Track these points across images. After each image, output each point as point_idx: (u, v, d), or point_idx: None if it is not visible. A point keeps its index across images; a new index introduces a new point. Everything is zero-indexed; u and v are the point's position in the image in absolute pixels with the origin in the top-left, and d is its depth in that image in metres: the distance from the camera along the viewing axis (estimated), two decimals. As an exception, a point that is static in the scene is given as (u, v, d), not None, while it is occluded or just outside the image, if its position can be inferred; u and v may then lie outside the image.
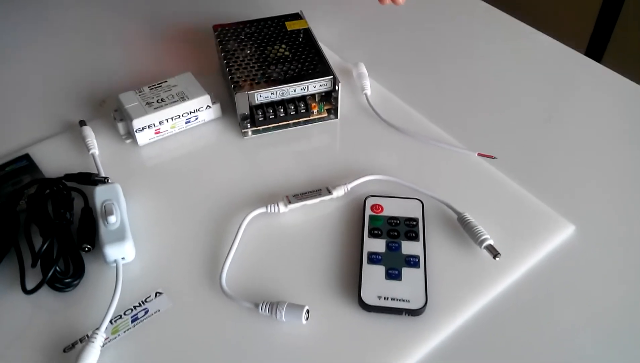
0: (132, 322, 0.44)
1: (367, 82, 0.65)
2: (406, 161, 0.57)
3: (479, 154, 0.58)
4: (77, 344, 0.43)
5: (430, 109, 0.63)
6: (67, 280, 0.45)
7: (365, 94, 0.64)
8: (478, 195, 0.54)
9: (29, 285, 0.46)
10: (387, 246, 0.48)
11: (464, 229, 0.50)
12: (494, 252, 0.48)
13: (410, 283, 0.46)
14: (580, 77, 0.69)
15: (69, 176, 0.54)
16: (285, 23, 0.67)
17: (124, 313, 0.45)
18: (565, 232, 0.51)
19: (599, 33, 1.51)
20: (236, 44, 0.64)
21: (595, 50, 1.57)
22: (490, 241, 0.48)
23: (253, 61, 0.61)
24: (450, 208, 0.52)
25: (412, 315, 0.44)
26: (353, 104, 0.64)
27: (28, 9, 0.80)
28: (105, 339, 0.43)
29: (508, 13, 0.78)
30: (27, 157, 0.57)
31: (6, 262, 0.48)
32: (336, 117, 0.62)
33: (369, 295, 0.45)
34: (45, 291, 0.46)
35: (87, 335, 0.43)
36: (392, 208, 0.51)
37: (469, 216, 0.50)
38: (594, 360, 0.43)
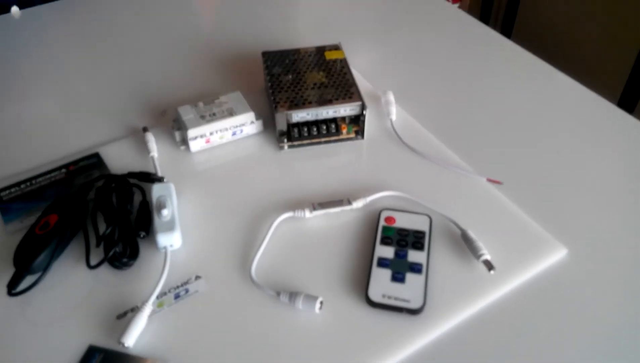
0: (175, 298, 0.52)
1: (394, 109, 0.72)
2: (421, 181, 0.63)
3: (488, 180, 0.63)
4: (128, 313, 0.51)
5: (449, 136, 0.69)
6: (124, 260, 0.54)
7: (391, 120, 0.71)
8: (482, 215, 0.59)
9: (93, 262, 0.54)
10: (396, 253, 0.54)
11: (465, 244, 0.56)
12: (489, 266, 0.53)
13: (412, 286, 0.52)
14: (596, 119, 0.73)
15: (132, 174, 0.62)
16: (325, 52, 0.74)
17: (169, 291, 0.52)
18: (557, 254, 0.55)
19: (633, 84, 1.53)
20: (280, 69, 0.72)
21: (628, 101, 1.59)
22: (488, 257, 0.54)
23: (294, 85, 0.69)
24: (456, 224, 0.57)
25: (411, 314, 0.50)
26: (379, 127, 0.71)
27: (112, 29, 0.91)
28: (152, 311, 0.50)
29: (539, 55, 0.83)
30: (97, 155, 0.66)
31: (75, 242, 0.57)
32: (362, 138, 0.69)
33: (375, 293, 0.51)
34: (105, 268, 0.54)
35: (137, 306, 0.51)
36: (403, 221, 0.57)
37: (471, 233, 0.56)
38: (570, 367, 0.47)
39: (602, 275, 0.54)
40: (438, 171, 0.65)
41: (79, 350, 0.48)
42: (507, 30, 2.01)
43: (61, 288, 0.53)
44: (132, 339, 0.48)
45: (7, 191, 0.62)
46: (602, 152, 0.67)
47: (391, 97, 0.73)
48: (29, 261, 0.52)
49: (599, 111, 0.73)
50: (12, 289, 0.50)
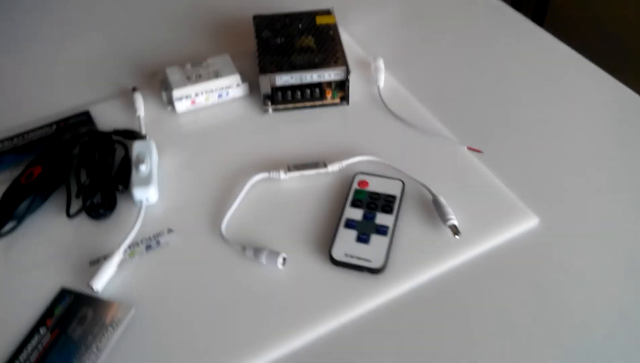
0: (146, 249, 0.54)
1: (382, 76, 0.72)
2: (401, 147, 0.63)
3: (469, 148, 0.63)
4: (100, 260, 0.53)
5: (438, 106, 0.69)
6: (101, 211, 0.56)
7: (378, 86, 0.71)
8: (458, 183, 0.59)
9: (72, 212, 0.56)
10: (364, 215, 0.55)
11: (435, 210, 0.56)
12: (455, 231, 0.53)
13: (375, 247, 0.52)
14: (587, 86, 0.71)
15: (117, 132, 0.64)
16: (316, 17, 0.74)
17: (141, 242, 0.54)
18: (528, 223, 0.55)
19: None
20: (270, 33, 0.72)
21: None
22: (455, 222, 0.54)
23: (282, 49, 0.69)
24: (428, 190, 0.57)
25: (372, 273, 0.51)
26: (366, 93, 0.71)
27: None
28: (122, 259, 0.52)
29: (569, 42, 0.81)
30: (87, 113, 0.69)
31: (58, 193, 0.59)
32: (347, 103, 0.69)
33: (338, 252, 0.52)
34: (83, 218, 0.57)
35: (107, 255, 0.53)
36: (376, 185, 0.58)
37: (442, 198, 0.56)
38: (524, 337, 0.48)
39: (571, 246, 0.54)
40: (420, 138, 0.65)
41: (53, 291, 0.51)
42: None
43: (41, 235, 0.56)
44: (101, 284, 0.50)
45: (0, 144, 0.64)
46: (590, 125, 0.66)
47: (381, 64, 0.73)
48: (12, 208, 0.54)
49: (597, 85, 0.72)
50: (-7, 233, 0.53)
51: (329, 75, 0.67)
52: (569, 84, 0.72)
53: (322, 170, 0.60)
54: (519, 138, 0.65)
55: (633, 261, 0.52)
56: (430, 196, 0.57)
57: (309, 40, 0.71)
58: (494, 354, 0.46)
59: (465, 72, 0.74)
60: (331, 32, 0.72)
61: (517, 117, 0.67)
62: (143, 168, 0.58)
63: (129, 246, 0.54)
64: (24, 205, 0.55)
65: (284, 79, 0.66)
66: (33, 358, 0.46)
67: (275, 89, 0.67)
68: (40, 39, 0.83)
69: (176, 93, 0.67)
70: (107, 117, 0.68)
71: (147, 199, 0.57)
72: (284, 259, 0.52)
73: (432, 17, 0.84)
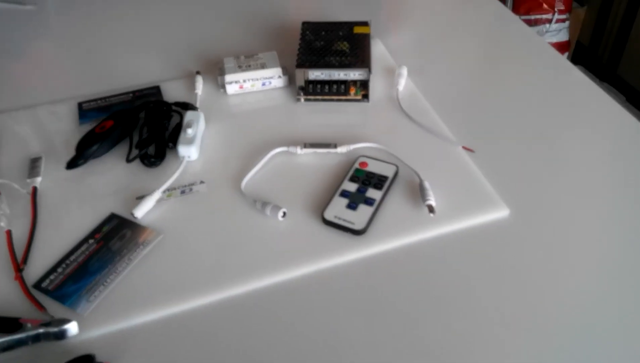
0: (181, 193, 0.65)
1: (403, 81, 0.79)
2: (405, 140, 0.71)
3: (463, 147, 0.69)
4: (145, 196, 0.64)
5: (446, 110, 0.75)
6: (152, 160, 0.68)
7: (397, 89, 0.78)
8: (446, 174, 0.66)
9: (130, 158, 0.69)
10: (358, 189, 0.63)
11: (420, 191, 0.63)
12: (431, 210, 0.60)
13: (361, 214, 0.60)
14: (588, 106, 0.75)
15: (177, 103, 0.77)
16: (354, 27, 0.83)
17: (178, 188, 0.66)
18: (499, 213, 0.61)
19: None
20: (313, 36, 0.82)
21: None
22: (432, 202, 0.60)
23: (320, 50, 0.79)
24: (417, 175, 0.64)
25: (354, 234, 0.59)
26: (386, 95, 0.79)
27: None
28: (160, 198, 0.64)
29: None
30: (157, 88, 0.81)
31: (123, 145, 0.72)
32: (367, 100, 0.77)
33: (329, 214, 0.60)
34: (138, 164, 0.69)
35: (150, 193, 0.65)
36: (374, 167, 0.66)
37: (427, 183, 0.63)
38: (476, 308, 0.53)
39: (534, 238, 0.59)
40: (423, 135, 0.72)
41: (105, 215, 0.63)
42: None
43: (104, 173, 0.68)
44: (141, 213, 0.62)
45: (87, 103, 0.79)
46: (588, 141, 0.70)
47: (404, 71, 0.80)
48: (84, 149, 0.68)
49: (607, 113, 0.75)
50: (69, 165, 0.67)
51: (354, 74, 0.75)
52: (572, 105, 0.76)
53: (332, 150, 0.69)
54: (511, 144, 0.70)
55: (595, 262, 0.57)
56: (418, 181, 0.64)
57: (344, 45, 0.80)
58: (444, 319, 0.53)
59: (477, 86, 0.80)
60: (364, 41, 0.80)
61: (513, 127, 0.72)
62: (190, 131, 0.70)
63: (168, 189, 0.65)
64: (93, 148, 0.68)
65: (315, 74, 0.76)
66: (80, 259, 0.58)
67: (308, 82, 0.77)
68: (129, 26, 0.97)
69: (228, 78, 0.78)
70: (173, 92, 0.81)
71: (188, 156, 0.69)
72: (284, 213, 0.61)
73: (458, 34, 0.91)
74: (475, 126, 0.73)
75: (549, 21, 2.07)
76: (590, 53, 2.21)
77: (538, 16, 2.07)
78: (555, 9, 2.06)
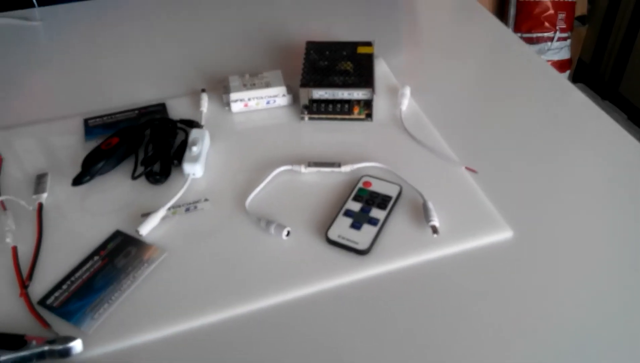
0: (185, 211, 0.65)
1: (406, 101, 0.80)
2: (408, 160, 0.71)
3: (466, 168, 0.70)
4: (150, 213, 0.65)
5: (449, 130, 0.76)
6: (157, 177, 0.68)
7: (400, 109, 0.79)
8: (448, 194, 0.66)
9: (135, 175, 0.69)
10: (361, 208, 0.63)
11: (423, 211, 0.63)
12: (434, 230, 0.60)
13: (365, 234, 0.61)
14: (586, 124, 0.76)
15: (182, 121, 0.77)
16: (358, 47, 0.84)
17: (182, 205, 0.66)
18: (502, 234, 0.61)
19: None
20: (317, 56, 0.83)
21: None
22: (436, 223, 0.61)
23: (324, 69, 0.80)
24: (420, 195, 0.65)
25: (358, 254, 0.59)
26: (389, 114, 0.79)
27: (184, 11, 1.08)
28: (165, 216, 0.64)
29: None
30: (163, 105, 0.82)
31: (128, 162, 0.72)
32: (371, 119, 0.78)
33: (333, 233, 0.61)
34: (143, 181, 0.69)
35: (155, 211, 0.65)
36: (377, 186, 0.66)
37: (430, 204, 0.63)
38: (477, 328, 0.54)
39: (537, 261, 0.59)
40: (426, 155, 0.72)
41: (109, 232, 0.63)
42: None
43: (109, 191, 0.69)
44: (146, 230, 0.62)
45: (93, 120, 0.79)
46: (590, 162, 0.71)
47: (407, 91, 0.81)
48: (90, 166, 0.68)
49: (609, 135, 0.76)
50: (75, 182, 0.67)
51: (358, 94, 0.76)
52: (573, 126, 0.76)
53: (336, 169, 0.69)
54: (513, 165, 0.70)
55: (599, 285, 0.57)
56: (421, 202, 0.65)
57: (348, 65, 0.81)
58: (447, 340, 0.53)
59: (479, 106, 0.81)
60: (367, 60, 0.81)
61: (515, 147, 0.73)
62: (195, 148, 0.70)
63: (173, 207, 0.66)
64: (99, 165, 0.69)
65: (319, 93, 0.77)
66: (85, 276, 0.58)
67: (312, 101, 0.78)
68: (133, 43, 0.99)
69: (233, 96, 0.79)
70: (178, 109, 0.82)
71: (193, 174, 0.69)
72: (289, 232, 0.61)
73: (461, 54, 0.92)
74: (478, 147, 0.74)
75: (551, 39, 2.09)
76: (592, 71, 2.23)
77: (540, 34, 2.09)
78: (557, 28, 2.08)
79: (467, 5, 1.07)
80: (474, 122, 0.78)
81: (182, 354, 0.52)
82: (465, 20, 1.03)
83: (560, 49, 2.12)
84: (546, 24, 2.08)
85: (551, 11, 2.08)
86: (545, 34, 2.10)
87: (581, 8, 2.20)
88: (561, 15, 2.10)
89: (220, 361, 0.52)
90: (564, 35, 2.10)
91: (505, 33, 0.98)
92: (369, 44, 0.85)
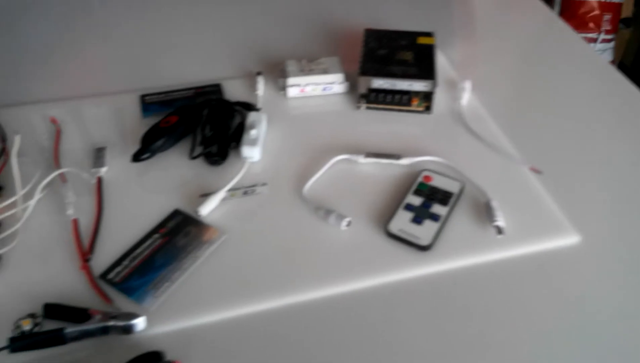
0: (243, 194, 0.65)
1: (467, 95, 0.78)
2: (469, 156, 0.69)
3: (530, 168, 0.67)
4: (208, 195, 0.64)
5: (512, 128, 0.74)
6: (215, 158, 0.67)
7: (460, 103, 0.77)
8: (512, 195, 0.64)
9: (194, 155, 0.69)
10: (422, 203, 0.62)
11: (486, 210, 0.61)
12: (499, 231, 0.58)
13: (426, 229, 0.59)
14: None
15: (238, 103, 0.76)
16: (418, 37, 0.82)
17: (241, 188, 0.65)
18: (569, 239, 0.59)
19: None
20: (376, 44, 0.81)
21: None
22: (501, 224, 0.59)
23: (383, 58, 0.78)
24: (484, 193, 0.63)
25: (418, 249, 0.58)
26: (448, 108, 0.77)
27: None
28: (224, 198, 0.63)
29: None
30: (218, 85, 0.81)
31: (185, 141, 0.72)
32: (430, 112, 0.76)
33: (394, 227, 0.59)
34: (201, 162, 0.69)
35: (214, 192, 0.64)
36: (438, 182, 0.64)
37: (494, 203, 0.61)
38: (535, 336, 0.52)
39: (605, 268, 0.57)
40: (487, 152, 0.70)
41: (168, 210, 0.63)
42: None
43: (168, 169, 0.68)
44: (205, 211, 0.61)
45: (149, 96, 0.79)
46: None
47: (467, 85, 0.79)
48: (150, 142, 0.68)
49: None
50: (135, 158, 0.67)
51: (418, 85, 0.74)
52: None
53: (395, 161, 0.68)
54: (581, 168, 0.68)
55: (661, 292, 0.55)
56: (484, 200, 0.63)
57: (408, 55, 0.79)
58: (507, 343, 0.51)
59: (542, 104, 0.78)
60: (428, 51, 0.79)
61: (582, 149, 0.70)
62: (253, 132, 0.69)
63: (231, 189, 0.65)
64: (159, 143, 0.68)
65: (379, 82, 0.75)
66: (146, 253, 0.58)
67: (370, 90, 0.76)
68: (188, 22, 0.98)
69: (290, 81, 0.78)
70: (233, 91, 0.81)
71: (251, 157, 0.68)
72: (349, 222, 0.60)
73: (522, 52, 0.89)
74: (542, 147, 0.71)
75: (594, 40, 2.03)
76: (633, 74, 2.16)
77: (583, 35, 2.03)
78: (602, 29, 2.02)
79: None
80: (537, 121, 0.75)
81: (240, 339, 0.51)
82: (519, 12, 0.99)
83: (603, 50, 2.06)
84: (591, 24, 2.02)
85: (597, 12, 2.02)
86: (589, 35, 2.03)
87: (627, 10, 2.13)
88: (607, 17, 2.04)
89: (276, 348, 0.51)
90: (608, 37, 2.04)
91: (568, 33, 0.95)
92: (429, 34, 0.83)
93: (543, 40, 0.93)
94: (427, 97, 0.76)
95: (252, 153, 0.68)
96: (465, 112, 0.76)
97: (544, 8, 1.00)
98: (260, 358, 0.50)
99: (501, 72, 0.85)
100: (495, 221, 0.59)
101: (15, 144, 0.67)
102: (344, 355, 0.50)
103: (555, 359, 0.50)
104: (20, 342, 0.49)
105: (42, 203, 0.63)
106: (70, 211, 0.61)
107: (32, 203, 0.62)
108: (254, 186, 0.66)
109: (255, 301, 0.54)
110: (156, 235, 0.60)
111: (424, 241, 0.58)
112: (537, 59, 0.88)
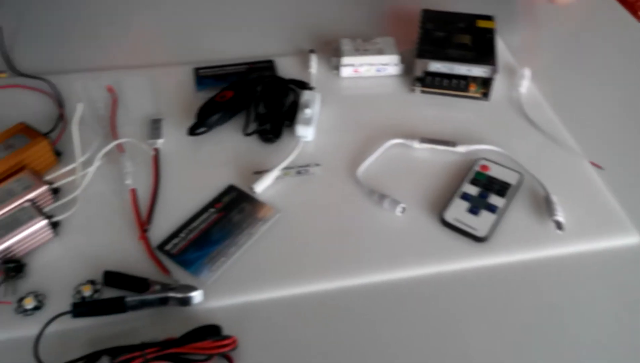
0: (297, 173, 0.64)
1: (526, 83, 0.75)
2: (527, 147, 0.67)
3: (591, 162, 0.65)
4: (262, 172, 0.64)
5: (573, 120, 0.71)
6: (269, 136, 0.67)
7: (519, 91, 0.75)
8: (572, 189, 0.62)
9: (248, 131, 0.68)
10: (479, 193, 0.61)
11: (545, 204, 0.60)
12: (559, 226, 0.57)
13: (483, 220, 0.58)
14: None
15: (292, 80, 0.75)
16: (477, 20, 0.79)
17: (294, 167, 0.65)
18: (629, 238, 0.57)
19: None
20: (433, 26, 0.79)
21: None
22: (561, 219, 0.57)
23: (440, 41, 0.76)
24: (543, 187, 0.61)
25: (474, 240, 0.57)
26: (506, 95, 0.75)
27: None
28: (278, 176, 0.63)
29: None
30: (271, 62, 0.80)
31: (240, 116, 0.71)
32: (487, 99, 0.74)
33: (449, 216, 0.58)
34: (255, 139, 0.68)
35: (270, 170, 0.64)
36: (496, 172, 0.63)
37: (554, 197, 0.60)
38: (589, 336, 0.51)
39: (668, 269, 0.55)
40: (547, 143, 0.68)
41: (223, 186, 0.63)
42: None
43: (222, 144, 0.68)
44: (260, 188, 0.61)
45: (204, 70, 0.78)
46: None
47: (527, 73, 0.76)
48: (206, 117, 0.68)
49: None
50: (191, 131, 0.67)
51: (477, 71, 0.72)
52: None
53: (450, 148, 0.66)
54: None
55: None
56: (543, 193, 0.61)
57: (466, 39, 0.76)
58: (560, 341, 0.50)
59: (606, 97, 0.75)
60: (488, 35, 0.76)
61: (647, 148, 0.68)
62: (308, 111, 0.68)
63: (285, 168, 0.64)
64: (215, 117, 0.68)
65: (436, 66, 0.73)
66: (202, 226, 0.58)
67: (426, 74, 0.74)
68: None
69: (344, 60, 0.76)
70: (286, 68, 0.79)
71: (305, 136, 0.68)
72: (403, 208, 0.59)
73: (586, 42, 0.85)
74: (604, 142, 0.69)
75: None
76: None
77: None
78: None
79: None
80: (598, 115, 0.72)
81: (293, 318, 0.52)
82: (592, 7, 0.95)
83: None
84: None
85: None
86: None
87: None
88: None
89: (327, 329, 0.51)
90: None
91: (629, 21, 0.90)
92: (489, 18, 0.80)
93: (606, 31, 0.88)
94: (485, 84, 0.73)
95: (306, 132, 0.67)
96: (524, 101, 0.73)
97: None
98: (313, 338, 0.50)
99: (562, 62, 0.81)
100: (555, 215, 0.58)
101: (77, 112, 0.67)
102: (394, 340, 0.50)
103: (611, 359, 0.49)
104: (82, 308, 0.51)
105: (100, 172, 0.64)
106: (128, 181, 0.62)
107: (91, 170, 0.63)
108: (307, 166, 0.65)
109: (308, 282, 0.54)
110: (212, 210, 0.60)
111: (481, 233, 0.57)
112: (600, 50, 0.84)
